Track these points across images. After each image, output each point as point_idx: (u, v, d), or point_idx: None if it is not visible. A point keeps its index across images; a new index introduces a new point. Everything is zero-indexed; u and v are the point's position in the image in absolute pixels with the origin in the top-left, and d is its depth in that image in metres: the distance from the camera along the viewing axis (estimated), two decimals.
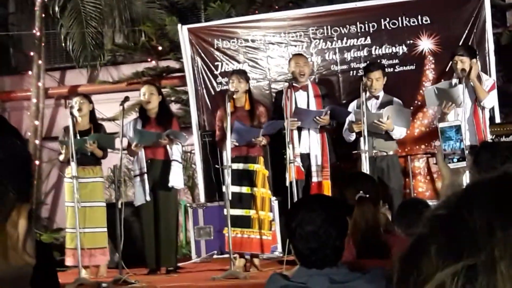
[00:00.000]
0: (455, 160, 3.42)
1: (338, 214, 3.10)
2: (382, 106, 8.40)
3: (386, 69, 9.05)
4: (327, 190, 8.29)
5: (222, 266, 8.13)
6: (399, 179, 8.53)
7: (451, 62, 8.46)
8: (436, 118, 8.66)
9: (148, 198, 8.35)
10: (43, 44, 12.62)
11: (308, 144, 8.48)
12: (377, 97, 8.49)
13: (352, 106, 8.50)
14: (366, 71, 8.54)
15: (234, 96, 8.16)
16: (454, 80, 8.20)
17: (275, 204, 8.85)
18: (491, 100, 8.30)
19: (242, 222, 8.05)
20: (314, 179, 8.44)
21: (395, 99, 8.54)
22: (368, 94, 8.31)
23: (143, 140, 8.34)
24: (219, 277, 7.50)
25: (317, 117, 8.30)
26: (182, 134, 8.64)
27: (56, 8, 12.47)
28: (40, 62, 12.57)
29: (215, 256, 9.00)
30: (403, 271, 0.74)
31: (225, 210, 8.01)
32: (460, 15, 9.27)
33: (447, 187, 3.36)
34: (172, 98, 11.60)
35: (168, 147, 8.40)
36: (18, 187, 1.03)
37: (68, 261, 8.34)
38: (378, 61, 9.14)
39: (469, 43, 9.02)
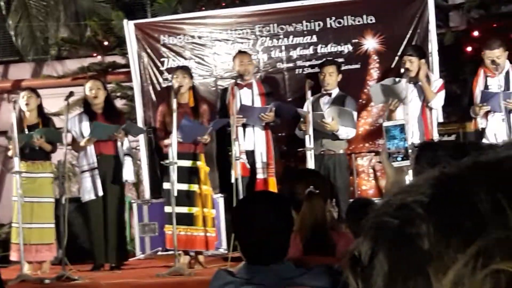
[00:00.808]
0: (399, 159, 3.46)
1: (285, 210, 3.10)
2: (334, 103, 8.46)
3: None
4: (273, 187, 8.32)
5: (166, 263, 8.11)
6: (346, 177, 8.59)
7: (394, 61, 8.56)
8: (382, 116, 8.75)
9: (100, 193, 8.29)
10: None
11: (253, 141, 8.49)
12: (329, 94, 8.54)
13: (307, 104, 8.56)
14: (321, 66, 8.63)
15: (179, 92, 8.14)
16: (402, 79, 8.28)
17: (220, 201, 8.85)
18: (439, 101, 8.41)
19: (187, 220, 8.04)
20: (260, 176, 8.47)
21: (348, 96, 8.60)
22: (322, 90, 8.40)
23: (98, 133, 8.26)
24: (163, 274, 7.47)
25: (262, 114, 8.32)
26: (138, 127, 8.61)
27: (1, 3, 12.29)
28: None
29: (159, 253, 8.95)
30: (391, 267, 0.73)
31: (166, 207, 7.99)
32: (404, 15, 9.37)
33: (391, 185, 3.39)
34: (118, 94, 11.50)
35: (119, 141, 8.35)
36: None
37: (13, 256, 8.23)
38: (324, 59, 9.19)
39: (413, 43, 9.13)
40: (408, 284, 0.71)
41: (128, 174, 8.44)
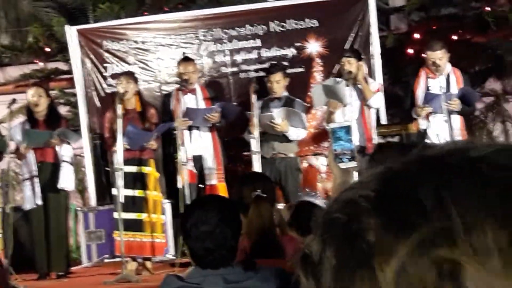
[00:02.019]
0: (345, 160, 3.48)
1: (233, 214, 3.10)
2: (283, 106, 8.49)
3: None
4: (223, 193, 8.28)
5: (114, 270, 8.04)
6: (297, 180, 8.62)
7: (337, 64, 8.63)
8: (324, 120, 8.80)
9: (39, 202, 8.18)
10: None
11: (200, 146, 8.47)
12: (279, 98, 8.57)
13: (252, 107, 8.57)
14: (267, 73, 8.63)
15: (124, 98, 8.09)
16: (342, 79, 8.34)
17: (168, 207, 8.80)
18: (377, 100, 8.49)
19: (134, 226, 7.98)
20: (208, 182, 8.44)
21: (297, 100, 8.64)
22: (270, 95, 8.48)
23: (32, 140, 8.16)
24: (111, 281, 7.42)
25: (208, 115, 8.30)
26: (74, 133, 8.51)
27: None
28: None
29: (106, 260, 8.87)
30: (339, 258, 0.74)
31: (115, 213, 7.93)
32: (346, 19, 9.45)
33: (338, 186, 3.41)
34: (61, 101, 11.36)
35: (57, 148, 8.25)
36: None
37: None
38: (274, 62, 9.20)
39: (355, 46, 9.21)
40: (354, 277, 0.72)
41: (65, 181, 8.31)
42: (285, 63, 9.37)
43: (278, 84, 8.52)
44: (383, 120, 9.00)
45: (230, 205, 3.22)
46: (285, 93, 8.64)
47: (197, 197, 7.56)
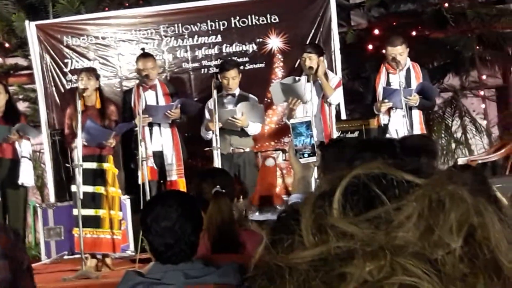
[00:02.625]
0: (305, 155, 3.48)
1: (193, 209, 3.10)
2: (238, 103, 8.48)
3: None
4: (183, 188, 8.27)
5: (73, 266, 7.98)
6: (255, 174, 8.63)
7: (299, 59, 8.64)
8: (285, 115, 8.82)
9: None
10: None
11: (161, 142, 8.44)
12: (233, 95, 8.56)
13: (208, 104, 8.54)
14: (222, 69, 8.58)
15: (84, 94, 8.03)
16: (302, 77, 8.35)
17: (127, 202, 8.76)
18: (337, 97, 8.52)
19: (93, 222, 7.93)
20: (168, 178, 8.42)
21: (251, 95, 8.64)
22: (223, 91, 8.42)
23: None
24: (70, 278, 7.37)
25: (168, 111, 8.27)
26: (33, 129, 8.43)
27: None
28: None
29: (65, 257, 8.80)
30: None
31: (75, 210, 7.87)
32: (307, 14, 9.47)
33: (298, 181, 3.42)
34: (20, 96, 11.26)
35: (17, 144, 8.17)
36: None
37: None
38: (229, 58, 9.20)
39: (316, 42, 9.23)
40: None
41: (25, 177, 8.24)
42: (246, 59, 9.37)
43: (234, 80, 8.51)
44: (343, 116, 9.04)
45: (190, 200, 3.21)
46: (238, 89, 8.63)
47: (158, 193, 7.54)
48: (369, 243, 0.69)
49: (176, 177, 8.44)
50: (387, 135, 8.02)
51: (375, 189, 0.73)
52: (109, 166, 8.12)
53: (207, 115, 8.49)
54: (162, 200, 3.21)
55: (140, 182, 7.79)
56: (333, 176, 0.77)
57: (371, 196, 0.73)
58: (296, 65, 9.14)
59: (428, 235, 0.70)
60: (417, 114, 8.24)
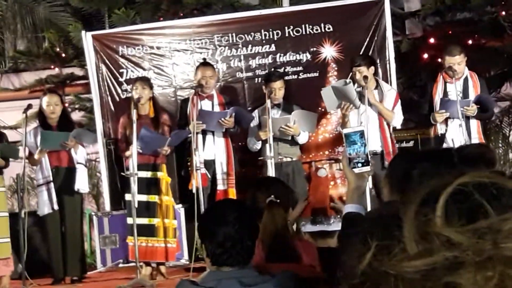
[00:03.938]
0: (359, 165, 3.46)
1: (250, 216, 3.14)
2: (283, 112, 8.47)
3: (291, 76, 9.19)
4: (233, 197, 8.27)
5: (128, 274, 8.04)
6: (304, 184, 8.61)
7: (351, 72, 8.60)
8: (339, 124, 8.78)
9: (55, 207, 8.19)
10: None
11: (213, 150, 8.46)
12: (278, 105, 8.55)
13: (255, 114, 8.54)
14: (268, 80, 8.55)
15: (139, 103, 8.10)
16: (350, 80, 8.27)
17: (181, 211, 8.80)
18: (398, 118, 8.39)
19: (147, 231, 7.98)
20: (220, 187, 8.42)
21: (295, 105, 8.61)
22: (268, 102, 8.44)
23: (48, 142, 8.15)
24: (125, 286, 7.41)
25: (222, 119, 8.28)
26: (90, 133, 8.52)
27: None
28: None
29: (121, 265, 8.88)
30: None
31: (129, 218, 7.93)
32: (361, 23, 9.43)
33: (353, 192, 3.40)
34: (76, 106, 11.42)
35: (73, 152, 8.25)
36: None
37: None
38: (283, 68, 9.21)
39: (370, 51, 9.19)
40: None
41: (81, 183, 8.33)
42: (300, 68, 9.36)
43: (280, 91, 8.48)
44: (398, 125, 8.96)
45: (246, 208, 3.25)
46: (282, 100, 8.59)
47: (216, 200, 7.56)
48: (478, 253, 0.68)
49: (227, 186, 8.44)
50: (444, 145, 7.93)
51: (480, 198, 0.72)
52: (163, 175, 8.17)
53: (254, 123, 8.46)
54: (220, 206, 3.28)
55: (194, 190, 7.80)
56: (436, 183, 0.76)
57: (475, 205, 0.72)
58: (350, 74, 9.11)
59: None
60: (475, 124, 8.14)
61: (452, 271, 0.68)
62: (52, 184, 8.21)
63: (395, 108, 8.35)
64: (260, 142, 8.35)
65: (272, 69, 9.10)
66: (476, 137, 8.08)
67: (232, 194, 8.39)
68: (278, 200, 3.98)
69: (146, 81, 8.43)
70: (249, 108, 9.20)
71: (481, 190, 0.73)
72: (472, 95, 8.17)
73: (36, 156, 8.20)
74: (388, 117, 8.27)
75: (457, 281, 0.68)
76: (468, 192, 0.73)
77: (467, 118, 8.00)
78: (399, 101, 8.46)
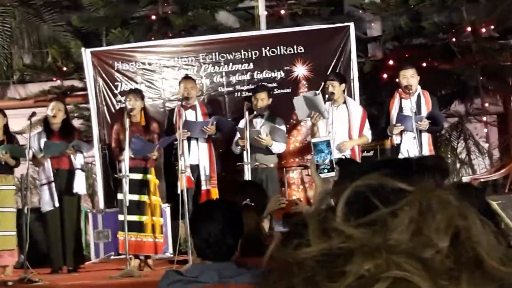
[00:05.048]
0: (325, 171, 3.46)
1: (234, 216, 3.14)
2: (266, 122, 8.50)
3: None
4: (215, 197, 8.27)
5: (118, 266, 8.00)
6: (276, 189, 8.60)
7: (321, 86, 8.62)
8: (308, 135, 8.79)
9: (56, 204, 8.15)
10: None
11: (198, 155, 8.45)
12: (262, 116, 8.57)
13: (242, 123, 8.55)
14: (254, 92, 8.65)
15: (131, 113, 8.08)
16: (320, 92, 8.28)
17: (167, 210, 8.78)
18: (369, 135, 8.38)
19: (137, 227, 7.95)
20: (203, 187, 8.43)
21: (278, 118, 8.63)
22: (254, 112, 8.47)
23: (50, 151, 8.12)
24: (116, 276, 7.38)
25: (205, 127, 8.29)
26: (86, 144, 8.49)
27: None
28: None
29: (112, 257, 8.83)
30: None
31: (120, 215, 7.90)
32: (330, 46, 9.46)
33: (319, 194, 3.40)
34: (76, 114, 11.37)
35: (72, 157, 8.22)
36: None
37: None
38: (259, 84, 9.22)
39: (337, 70, 9.22)
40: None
41: (79, 186, 8.29)
42: (275, 85, 9.38)
43: (262, 101, 8.52)
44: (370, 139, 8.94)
45: (233, 208, 3.23)
46: (267, 111, 8.62)
47: (207, 199, 7.54)
48: (367, 243, 0.70)
49: (210, 186, 8.46)
50: (400, 155, 7.95)
51: (372, 198, 0.74)
52: (152, 177, 8.15)
53: (238, 134, 8.49)
54: (209, 206, 3.30)
55: (179, 191, 7.79)
56: (337, 189, 0.78)
57: (369, 204, 0.74)
58: (318, 90, 9.13)
59: (419, 236, 0.71)
60: (426, 137, 8.16)
61: (345, 259, 0.70)
62: (53, 184, 8.16)
63: (365, 127, 8.34)
64: (239, 148, 8.35)
65: (260, 84, 9.13)
66: (427, 149, 8.09)
67: (215, 193, 8.40)
68: (253, 203, 3.98)
69: (138, 93, 8.42)
70: (229, 119, 9.20)
71: (372, 190, 0.74)
72: (424, 111, 8.19)
73: (39, 159, 8.16)
74: (363, 143, 8.35)
75: (349, 269, 0.69)
76: (364, 193, 0.74)
77: (420, 132, 8.02)
78: (367, 119, 8.45)
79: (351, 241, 0.71)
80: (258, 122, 8.56)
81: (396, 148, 8.11)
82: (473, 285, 0.69)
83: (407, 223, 0.71)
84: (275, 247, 0.77)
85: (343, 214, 0.74)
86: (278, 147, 8.49)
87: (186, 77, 8.85)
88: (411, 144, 7.97)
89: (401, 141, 8.12)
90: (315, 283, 0.71)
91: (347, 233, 0.71)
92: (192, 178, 8.35)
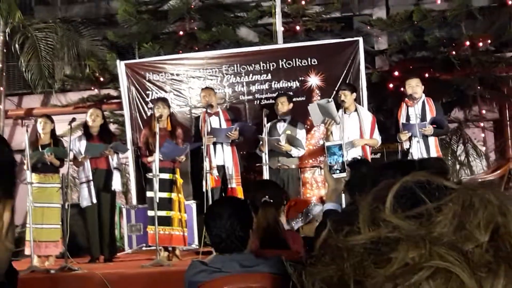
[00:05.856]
0: (337, 171, 3.47)
1: (243, 210, 3.13)
2: (288, 127, 8.53)
3: None
4: (240, 194, 8.31)
5: (149, 256, 8.02)
6: (297, 188, 8.61)
7: (333, 95, 8.59)
8: (322, 139, 8.78)
9: (94, 201, 8.20)
10: (4, 74, 12.26)
11: (223, 157, 8.48)
12: (284, 120, 8.60)
13: (264, 130, 8.55)
14: (275, 97, 8.78)
15: (160, 119, 8.12)
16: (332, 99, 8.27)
17: (193, 206, 8.80)
18: (379, 139, 8.36)
19: (165, 221, 7.97)
20: (229, 185, 8.47)
21: (299, 122, 8.66)
22: (278, 117, 8.56)
23: (91, 152, 8.18)
24: (147, 265, 7.40)
25: (229, 132, 8.32)
26: (124, 146, 8.53)
27: (16, 45, 12.17)
28: (1, 88, 12.20)
29: (144, 248, 8.86)
30: None
31: (149, 211, 7.93)
32: (340, 59, 9.45)
33: (331, 193, 3.40)
34: (111, 120, 11.42)
35: (110, 157, 8.28)
36: (4, 185, 0.98)
37: (26, 251, 8.07)
38: (276, 93, 9.22)
39: (347, 81, 9.20)
40: None
41: (116, 184, 8.34)
42: (290, 93, 9.39)
43: (283, 105, 8.54)
44: (379, 143, 8.90)
45: (241, 204, 3.23)
46: (289, 116, 8.63)
47: (217, 198, 7.57)
48: (413, 234, 0.70)
49: (235, 185, 8.48)
50: (409, 157, 7.91)
51: (420, 193, 0.74)
52: (177, 177, 8.18)
53: (260, 141, 8.51)
54: (218, 204, 3.30)
55: (204, 189, 7.82)
56: (386, 183, 0.78)
57: (416, 198, 0.74)
58: (330, 99, 9.11)
59: (461, 230, 0.70)
60: (433, 140, 8.12)
61: (392, 247, 0.70)
62: (92, 182, 8.21)
63: (375, 132, 8.31)
64: (263, 153, 8.35)
65: (279, 92, 9.15)
66: (434, 151, 8.06)
67: (240, 191, 8.44)
68: (272, 200, 3.98)
69: (165, 101, 8.45)
70: (250, 124, 9.22)
71: (420, 186, 0.74)
72: (429, 117, 8.16)
73: (80, 160, 8.22)
74: (373, 145, 8.29)
75: (395, 256, 0.69)
76: (412, 189, 0.74)
77: (426, 137, 7.99)
78: (376, 124, 8.41)
79: (398, 231, 0.71)
80: (281, 126, 8.59)
81: (406, 152, 8.08)
82: (510, 277, 0.69)
83: (450, 218, 0.71)
84: (328, 232, 0.77)
85: (392, 206, 0.74)
86: (298, 152, 8.51)
87: (206, 88, 8.95)
88: (419, 148, 7.94)
89: (410, 145, 8.09)
90: (363, 268, 0.71)
91: (395, 223, 0.71)
92: (216, 178, 8.37)
